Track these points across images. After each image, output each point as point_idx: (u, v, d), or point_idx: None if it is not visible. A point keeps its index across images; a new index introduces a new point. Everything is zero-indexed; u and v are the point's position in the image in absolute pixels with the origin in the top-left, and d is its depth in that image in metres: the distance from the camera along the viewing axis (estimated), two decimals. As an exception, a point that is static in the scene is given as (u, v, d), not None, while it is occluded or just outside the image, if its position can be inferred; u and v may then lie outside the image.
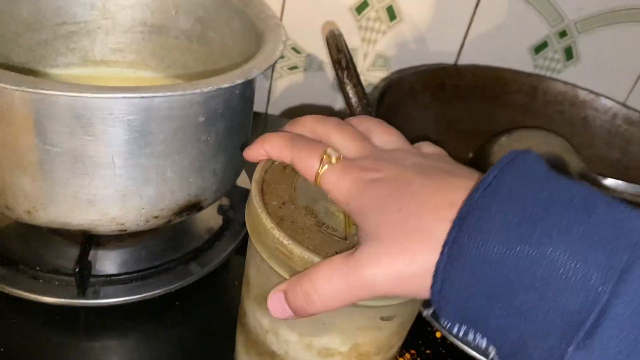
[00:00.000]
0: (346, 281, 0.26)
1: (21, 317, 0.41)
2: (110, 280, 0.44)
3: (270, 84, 0.74)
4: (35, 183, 0.37)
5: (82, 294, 0.42)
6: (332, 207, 0.31)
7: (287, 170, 0.33)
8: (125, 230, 0.41)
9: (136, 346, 0.42)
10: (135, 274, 0.45)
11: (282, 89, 0.74)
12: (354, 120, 0.32)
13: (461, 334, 0.25)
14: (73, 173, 0.37)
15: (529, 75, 0.68)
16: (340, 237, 0.29)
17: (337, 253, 0.28)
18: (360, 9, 0.68)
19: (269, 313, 0.29)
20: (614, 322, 0.20)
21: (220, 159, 0.43)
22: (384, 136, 0.31)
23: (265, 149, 0.31)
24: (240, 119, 0.43)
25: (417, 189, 0.26)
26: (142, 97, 0.35)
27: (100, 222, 0.39)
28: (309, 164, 0.29)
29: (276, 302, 0.28)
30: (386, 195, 0.26)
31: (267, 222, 0.29)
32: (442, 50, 0.70)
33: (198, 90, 0.36)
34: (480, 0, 0.67)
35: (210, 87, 0.36)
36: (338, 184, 0.28)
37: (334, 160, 0.28)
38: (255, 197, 0.30)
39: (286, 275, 0.29)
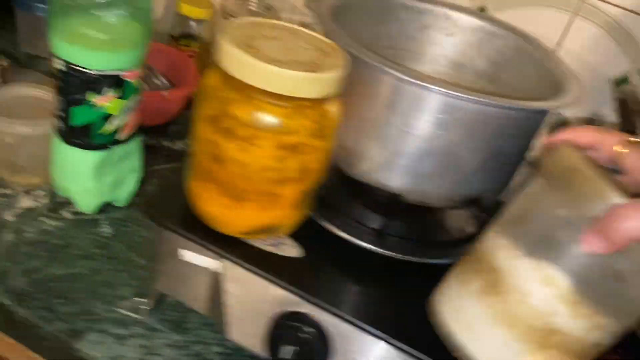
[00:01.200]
0: None
1: (328, 248, 0.55)
2: (398, 240, 0.57)
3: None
4: (379, 150, 0.51)
5: (378, 243, 0.55)
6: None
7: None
8: (424, 203, 0.53)
9: (395, 297, 0.52)
10: (416, 242, 0.57)
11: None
12: None
13: None
14: (405, 148, 0.50)
15: None
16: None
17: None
18: (619, 82, 0.76)
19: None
20: None
21: (506, 168, 0.54)
22: None
23: (575, 134, 0.42)
24: (530, 143, 0.54)
25: None
26: (448, 93, 0.46)
27: (408, 190, 0.52)
28: (611, 144, 0.41)
29: (590, 238, 0.35)
30: None
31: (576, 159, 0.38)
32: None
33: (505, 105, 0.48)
34: None
35: (521, 105, 0.48)
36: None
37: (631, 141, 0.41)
38: (570, 151, 0.40)
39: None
